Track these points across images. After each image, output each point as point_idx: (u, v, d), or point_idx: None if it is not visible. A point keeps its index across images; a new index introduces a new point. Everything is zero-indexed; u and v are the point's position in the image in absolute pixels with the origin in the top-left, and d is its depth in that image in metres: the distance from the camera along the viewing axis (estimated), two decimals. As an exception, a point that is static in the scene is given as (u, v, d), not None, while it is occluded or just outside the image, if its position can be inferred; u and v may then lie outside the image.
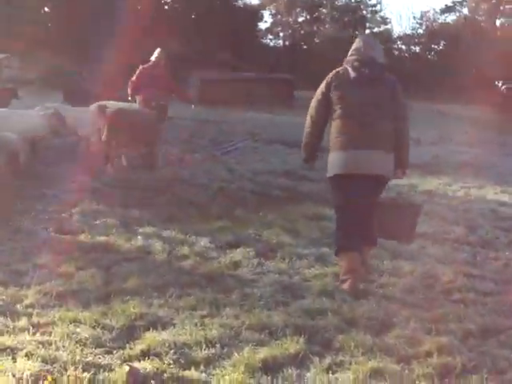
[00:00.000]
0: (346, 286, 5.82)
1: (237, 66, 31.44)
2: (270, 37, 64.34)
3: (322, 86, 6.18)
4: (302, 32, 64.81)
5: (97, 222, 7.46)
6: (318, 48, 59.90)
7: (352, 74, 6.09)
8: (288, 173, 11.60)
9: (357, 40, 6.38)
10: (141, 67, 12.55)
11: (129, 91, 12.42)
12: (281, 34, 65.73)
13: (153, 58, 12.53)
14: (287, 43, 64.07)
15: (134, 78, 12.38)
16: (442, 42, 55.31)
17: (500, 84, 49.34)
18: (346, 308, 5.29)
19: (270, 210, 8.65)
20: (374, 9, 62.47)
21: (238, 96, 24.68)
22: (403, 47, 58.90)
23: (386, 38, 58.79)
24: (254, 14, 52.36)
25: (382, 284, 5.95)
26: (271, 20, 63.55)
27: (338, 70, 6.23)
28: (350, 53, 6.26)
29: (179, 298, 5.35)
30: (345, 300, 5.50)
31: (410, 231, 6.37)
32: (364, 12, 62.42)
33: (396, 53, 58.82)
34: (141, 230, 7.22)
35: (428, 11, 57.83)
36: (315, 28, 65.34)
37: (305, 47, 63.09)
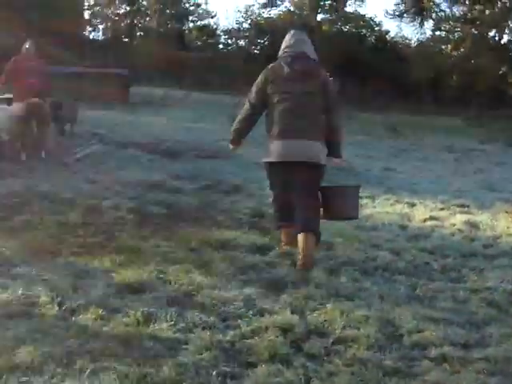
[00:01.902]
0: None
1: (61, 59, 29.31)
2: (89, 29, 61.96)
3: (259, 79, 6.78)
4: (123, 25, 63.00)
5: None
6: (141, 42, 58.43)
7: (286, 69, 6.64)
8: (158, 184, 10.30)
9: (288, 35, 6.94)
10: (13, 58, 12.42)
11: (1, 81, 12.34)
12: (100, 27, 63.55)
13: (24, 49, 12.49)
14: (107, 36, 62.02)
15: (7, 67, 12.25)
16: (267, 37, 55.26)
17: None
18: (317, 381, 4.11)
19: (159, 235, 7.34)
20: (196, 1, 61.53)
21: (69, 92, 22.74)
22: (229, 41, 58.40)
23: (211, 31, 58.25)
24: (77, 3, 49.72)
25: (340, 339, 4.80)
26: (89, 11, 61.13)
27: (273, 64, 6.81)
28: (282, 48, 6.86)
29: (94, 376, 3.98)
30: (305, 366, 4.32)
31: (355, 208, 6.89)
32: (187, 5, 61.41)
33: (221, 47, 58.40)
34: (15, 271, 5.68)
35: (252, 5, 57.68)
36: (135, 21, 63.74)
37: (126, 40, 61.34)
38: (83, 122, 17.10)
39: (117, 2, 61.70)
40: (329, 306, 5.40)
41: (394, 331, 5.05)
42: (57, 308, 4.95)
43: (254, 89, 6.80)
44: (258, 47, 56.20)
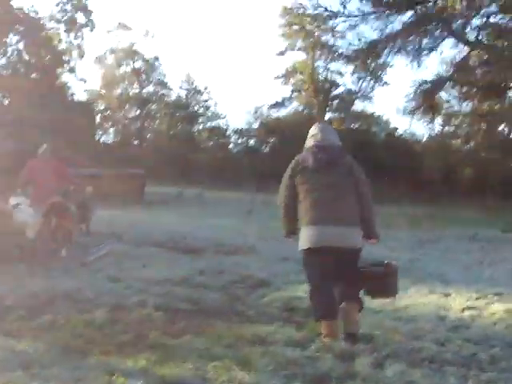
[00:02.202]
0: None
1: (75, 161, 29.52)
2: (100, 132, 62.86)
3: (287, 172, 6.94)
4: (133, 128, 63.88)
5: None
6: (152, 143, 59.12)
7: (311, 159, 6.80)
8: (183, 281, 10.01)
9: (313, 127, 7.20)
10: (30, 161, 12.81)
11: (19, 184, 12.58)
12: (110, 130, 64.44)
13: (40, 152, 12.87)
14: (118, 139, 62.81)
15: (24, 171, 12.59)
16: (274, 137, 55.90)
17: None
18: None
19: (191, 331, 7.00)
20: (206, 104, 62.64)
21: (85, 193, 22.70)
22: (239, 141, 59.06)
23: (222, 132, 58.98)
24: (90, 109, 50.63)
25: None
26: (99, 115, 62.15)
27: (299, 156, 6.98)
28: (308, 138, 7.11)
29: None
30: None
31: (395, 287, 7.01)
32: (196, 107, 62.45)
33: (231, 146, 59.01)
34: (47, 373, 5.33)
35: (262, 106, 58.54)
36: (146, 124, 64.67)
37: (136, 143, 62.07)
38: (98, 221, 16.96)
39: (127, 106, 62.77)
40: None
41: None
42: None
43: (282, 182, 6.98)
44: (268, 146, 56.74)
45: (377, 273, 6.88)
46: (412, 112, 44.33)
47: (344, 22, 40.72)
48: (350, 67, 55.13)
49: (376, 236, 6.95)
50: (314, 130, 7.13)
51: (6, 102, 44.16)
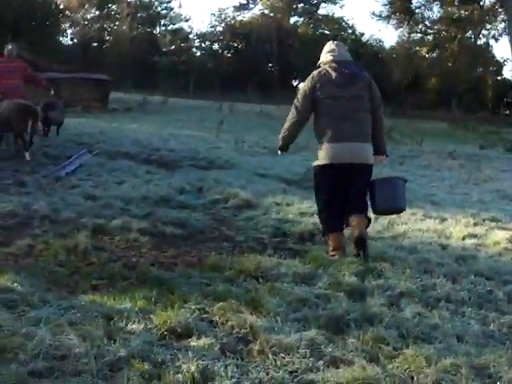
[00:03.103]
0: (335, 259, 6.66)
1: (36, 64, 28.35)
2: (59, 34, 60.74)
3: (307, 84, 6.94)
4: (93, 29, 61.98)
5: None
6: (112, 46, 57.48)
7: (334, 74, 6.84)
8: (164, 199, 9.46)
9: (328, 44, 7.24)
10: None
11: None
12: (69, 31, 62.49)
13: (6, 52, 12.74)
14: (75, 41, 61.01)
15: None
16: (239, 40, 54.78)
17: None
18: None
19: (183, 261, 6.54)
20: (168, 5, 60.98)
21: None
22: (203, 45, 57.69)
23: (185, 35, 57.53)
24: (51, 8, 48.59)
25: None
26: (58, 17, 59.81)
27: (319, 70, 6.97)
28: (324, 55, 7.10)
29: None
30: None
31: (403, 199, 7.09)
32: (159, 9, 60.78)
33: (194, 50, 57.77)
34: (35, 313, 4.75)
35: (226, 8, 57.23)
36: (105, 25, 62.84)
37: (95, 45, 60.37)
38: (65, 129, 16.23)
39: (86, 6, 60.70)
40: (407, 351, 4.58)
41: (493, 382, 4.26)
42: (93, 363, 4.06)
43: (300, 95, 6.98)
44: (232, 51, 55.53)
45: (385, 183, 7.04)
46: (388, 17, 43.15)
47: None
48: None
49: (386, 153, 7.23)
50: (330, 45, 7.14)
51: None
